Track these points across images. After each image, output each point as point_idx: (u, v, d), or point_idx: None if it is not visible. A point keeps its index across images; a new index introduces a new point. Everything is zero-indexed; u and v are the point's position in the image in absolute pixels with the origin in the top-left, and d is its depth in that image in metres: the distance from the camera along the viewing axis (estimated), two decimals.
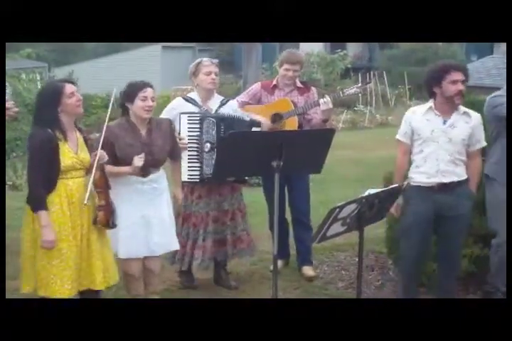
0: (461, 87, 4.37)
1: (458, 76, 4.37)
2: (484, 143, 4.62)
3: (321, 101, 5.25)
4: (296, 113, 5.43)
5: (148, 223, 4.56)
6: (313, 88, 5.67)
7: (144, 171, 4.52)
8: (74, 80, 4.16)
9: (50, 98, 4.02)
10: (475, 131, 4.50)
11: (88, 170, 4.14)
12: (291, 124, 5.42)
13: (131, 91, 4.49)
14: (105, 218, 4.14)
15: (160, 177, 4.66)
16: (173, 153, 4.77)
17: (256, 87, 5.71)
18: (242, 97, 5.70)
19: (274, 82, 5.62)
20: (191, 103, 5.15)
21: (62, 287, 3.99)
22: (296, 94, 5.56)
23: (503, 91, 4.86)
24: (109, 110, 4.23)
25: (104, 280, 4.17)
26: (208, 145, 5.00)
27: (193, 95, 5.21)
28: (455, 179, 4.48)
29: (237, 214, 5.26)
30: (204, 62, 5.13)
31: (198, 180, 5.03)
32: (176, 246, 4.81)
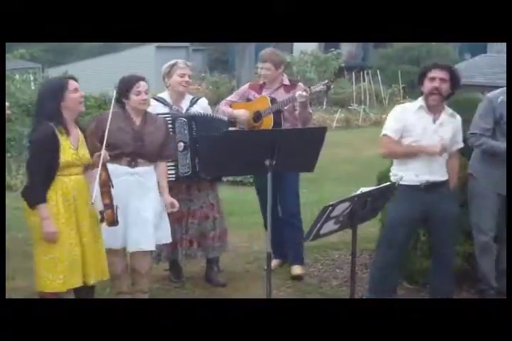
0: (436, 83, 4.37)
1: (437, 74, 4.38)
2: (462, 144, 4.68)
3: (297, 94, 5.20)
4: (273, 110, 5.44)
5: (126, 216, 4.48)
6: (300, 84, 5.56)
7: (132, 159, 4.54)
8: (75, 78, 4.16)
9: (54, 93, 4.04)
10: (457, 132, 4.58)
11: (87, 169, 4.19)
12: (267, 122, 5.44)
13: (125, 87, 4.57)
14: (112, 216, 4.18)
15: (148, 173, 4.63)
16: (165, 152, 4.73)
17: (244, 87, 5.83)
18: (232, 97, 5.79)
19: (261, 82, 5.66)
20: (161, 103, 5.21)
21: (53, 282, 4.02)
22: (282, 92, 5.55)
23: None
24: (111, 108, 4.31)
25: (95, 275, 4.20)
26: (182, 144, 5.09)
27: (164, 95, 5.28)
28: (441, 178, 4.51)
29: (215, 209, 5.34)
30: (179, 64, 5.20)
31: (174, 179, 5.06)
32: (151, 246, 4.62)
